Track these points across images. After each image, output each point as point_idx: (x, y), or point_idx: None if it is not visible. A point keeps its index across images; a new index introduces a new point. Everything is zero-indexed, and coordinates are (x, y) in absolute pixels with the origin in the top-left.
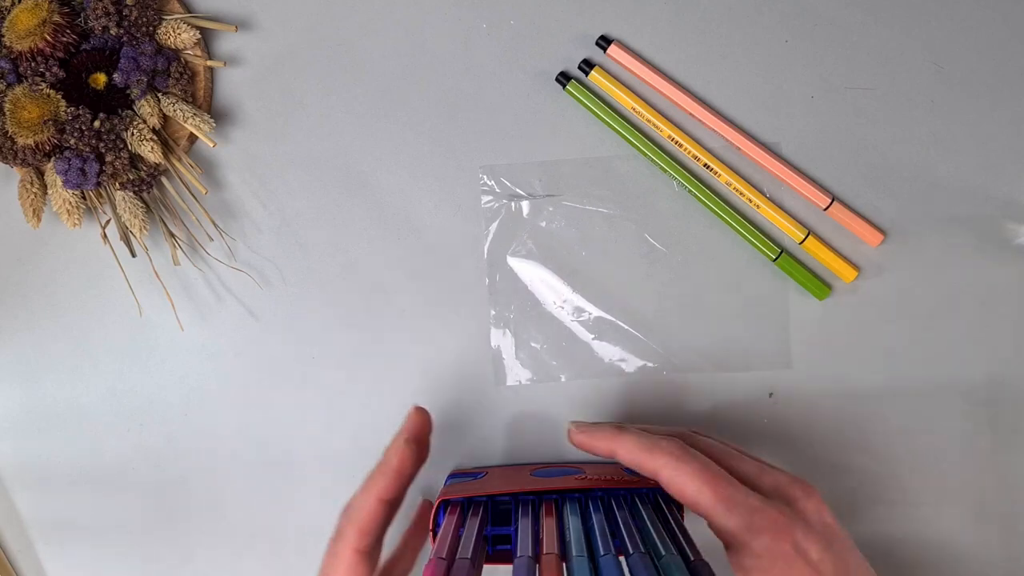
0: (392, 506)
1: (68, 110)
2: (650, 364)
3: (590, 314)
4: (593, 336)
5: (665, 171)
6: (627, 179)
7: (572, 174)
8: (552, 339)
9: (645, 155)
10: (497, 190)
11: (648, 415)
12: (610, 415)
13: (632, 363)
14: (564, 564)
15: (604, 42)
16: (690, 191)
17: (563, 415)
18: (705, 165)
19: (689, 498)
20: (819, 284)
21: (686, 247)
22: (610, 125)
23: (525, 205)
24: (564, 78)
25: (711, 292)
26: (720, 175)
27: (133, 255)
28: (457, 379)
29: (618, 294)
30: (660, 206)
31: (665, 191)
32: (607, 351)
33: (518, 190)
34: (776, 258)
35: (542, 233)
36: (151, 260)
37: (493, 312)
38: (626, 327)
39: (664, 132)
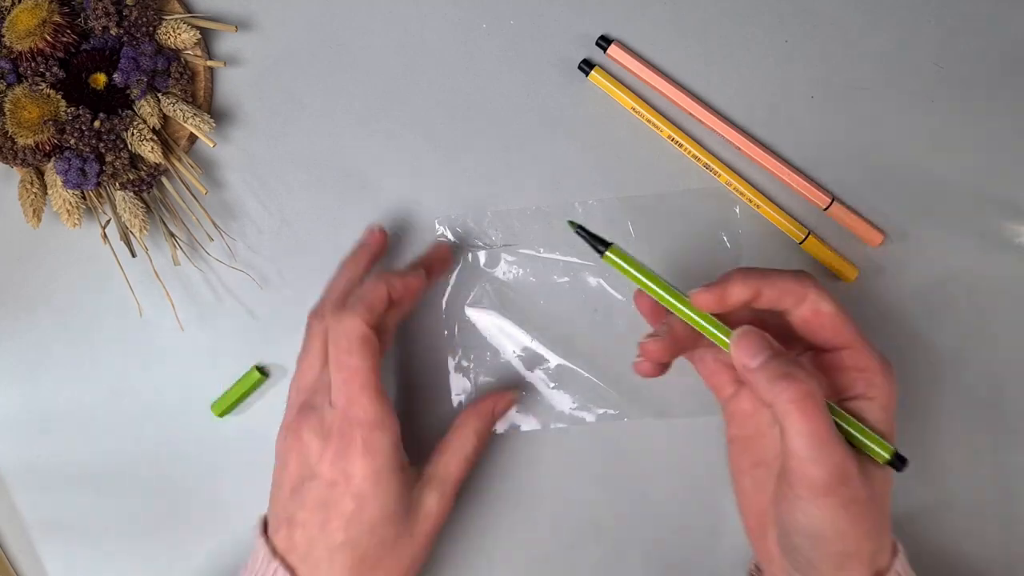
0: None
1: (68, 110)
2: (611, 411)
3: (550, 363)
4: (553, 385)
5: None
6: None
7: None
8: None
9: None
10: (453, 236)
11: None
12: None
13: (593, 411)
14: None
15: (604, 42)
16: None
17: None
18: (705, 165)
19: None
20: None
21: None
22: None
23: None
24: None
25: None
26: (720, 175)
27: (133, 255)
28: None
29: (578, 342)
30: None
31: (622, 238)
32: (567, 399)
33: (479, 238)
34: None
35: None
36: (151, 260)
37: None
38: (586, 374)
39: (664, 132)
